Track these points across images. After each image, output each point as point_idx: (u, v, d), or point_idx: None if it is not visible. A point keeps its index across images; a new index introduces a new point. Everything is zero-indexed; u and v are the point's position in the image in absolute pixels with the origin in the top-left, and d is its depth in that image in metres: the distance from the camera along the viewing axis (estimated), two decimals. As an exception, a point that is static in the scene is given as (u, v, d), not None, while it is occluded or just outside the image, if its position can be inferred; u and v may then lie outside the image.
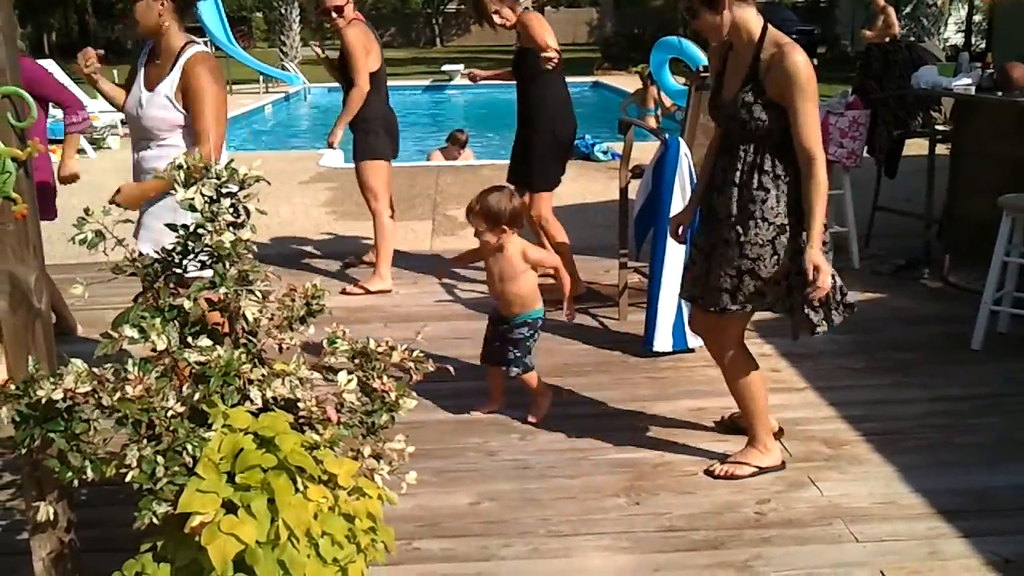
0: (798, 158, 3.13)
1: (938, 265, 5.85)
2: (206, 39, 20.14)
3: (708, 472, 3.53)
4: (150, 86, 3.71)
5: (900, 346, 4.74)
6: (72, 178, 4.78)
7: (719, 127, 3.43)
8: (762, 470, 3.51)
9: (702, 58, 12.24)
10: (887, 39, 10.63)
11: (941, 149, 6.33)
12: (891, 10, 12.00)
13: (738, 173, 3.24)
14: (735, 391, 3.54)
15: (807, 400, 4.19)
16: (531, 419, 4.01)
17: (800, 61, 3.07)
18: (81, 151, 11.12)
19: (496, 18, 5.38)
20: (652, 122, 11.85)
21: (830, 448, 3.73)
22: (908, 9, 19.07)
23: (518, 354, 3.98)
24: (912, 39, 16.61)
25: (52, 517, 2.50)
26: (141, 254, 2.63)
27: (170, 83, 3.64)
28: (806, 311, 3.21)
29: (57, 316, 5.07)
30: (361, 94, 5.69)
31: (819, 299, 3.15)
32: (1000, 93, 5.54)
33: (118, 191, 3.68)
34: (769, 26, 3.19)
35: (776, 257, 3.21)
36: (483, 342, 4.16)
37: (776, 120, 3.14)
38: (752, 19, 3.19)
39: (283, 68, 22.50)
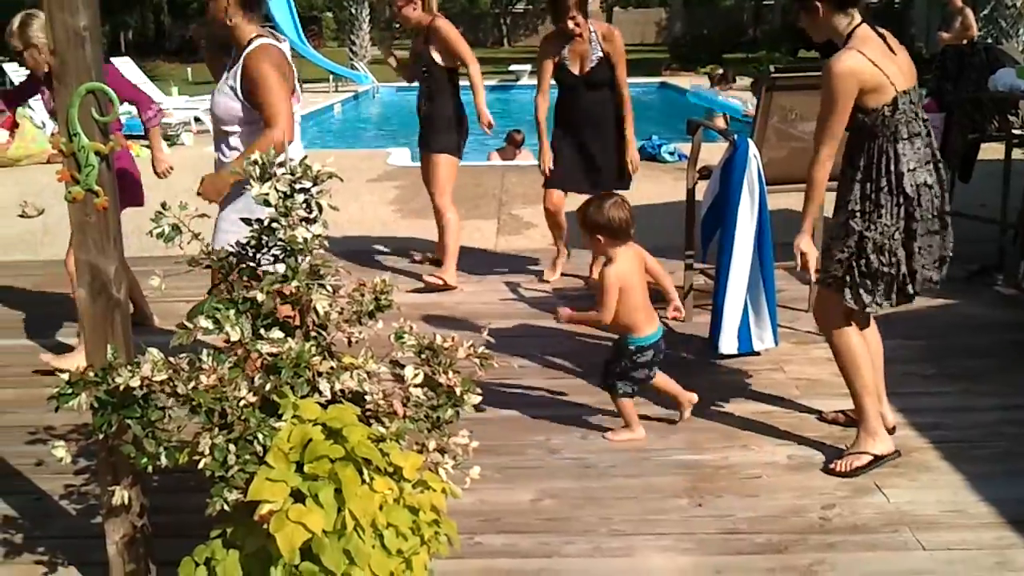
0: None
1: (1012, 271, 5.72)
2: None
3: (829, 470, 3.54)
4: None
5: (971, 353, 4.65)
6: (167, 171, 4.91)
7: None
8: (877, 459, 3.53)
9: (732, 104, 12.16)
10: (964, 41, 10.40)
11: (1018, 154, 6.18)
12: (969, 11, 11.75)
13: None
14: (838, 364, 3.61)
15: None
16: (609, 435, 3.91)
17: (827, 67, 3.28)
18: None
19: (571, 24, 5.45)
20: (721, 122, 11.76)
21: (898, 455, 3.67)
22: (986, 11, 18.64)
23: (604, 371, 3.90)
24: (990, 41, 16.25)
25: (126, 502, 2.58)
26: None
27: (235, 74, 3.75)
28: (860, 288, 3.43)
29: (135, 307, 5.21)
30: (477, 69, 5.87)
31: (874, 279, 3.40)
32: (1081, 96, 5.40)
33: (202, 181, 3.78)
34: (856, 34, 3.34)
35: (847, 239, 3.41)
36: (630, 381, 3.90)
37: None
38: (842, 25, 3.38)
39: (352, 67, 22.75)
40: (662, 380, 3.94)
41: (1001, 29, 18.36)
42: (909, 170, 3.33)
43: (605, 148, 5.67)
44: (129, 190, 4.65)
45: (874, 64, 3.27)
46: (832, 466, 3.55)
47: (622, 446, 3.81)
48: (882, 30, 3.41)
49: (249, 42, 3.76)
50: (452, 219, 5.97)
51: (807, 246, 3.49)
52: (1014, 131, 6.24)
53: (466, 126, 6.03)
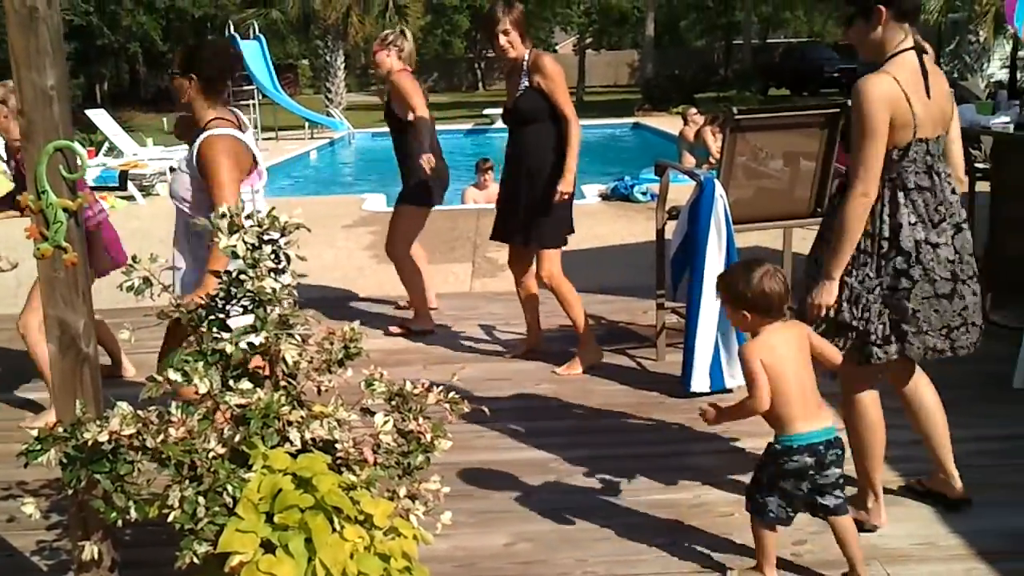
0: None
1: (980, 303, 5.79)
2: (253, 86, 20.59)
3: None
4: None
5: (939, 385, 4.65)
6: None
7: None
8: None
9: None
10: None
11: (982, 186, 6.30)
12: (928, 48, 11.96)
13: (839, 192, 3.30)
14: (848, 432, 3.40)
15: (843, 439, 4.15)
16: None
17: (858, 90, 3.04)
18: (131, 198, 11.39)
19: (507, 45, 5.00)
20: (703, 162, 11.89)
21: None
22: (951, 46, 19.00)
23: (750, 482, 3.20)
24: (955, 76, 16.54)
25: (97, 556, 2.57)
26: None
27: (192, 153, 3.78)
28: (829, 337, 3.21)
29: (112, 359, 5.21)
30: (425, 123, 5.64)
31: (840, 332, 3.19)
32: (1039, 130, 5.51)
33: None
34: (900, 56, 3.09)
35: (880, 291, 3.18)
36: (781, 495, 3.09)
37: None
38: (894, 42, 3.12)
39: (328, 114, 22.89)
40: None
41: (966, 64, 18.72)
42: (909, 224, 3.11)
43: (535, 197, 5.00)
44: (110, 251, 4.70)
45: (906, 98, 3.03)
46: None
47: (597, 487, 3.82)
48: (930, 64, 3.16)
49: (206, 126, 3.80)
50: (406, 268, 5.99)
51: (829, 298, 3.16)
52: (976, 164, 6.36)
53: (443, 176, 5.93)
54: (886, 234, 3.14)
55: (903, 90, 3.02)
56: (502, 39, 4.97)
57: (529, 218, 5.05)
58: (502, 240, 5.37)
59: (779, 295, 2.96)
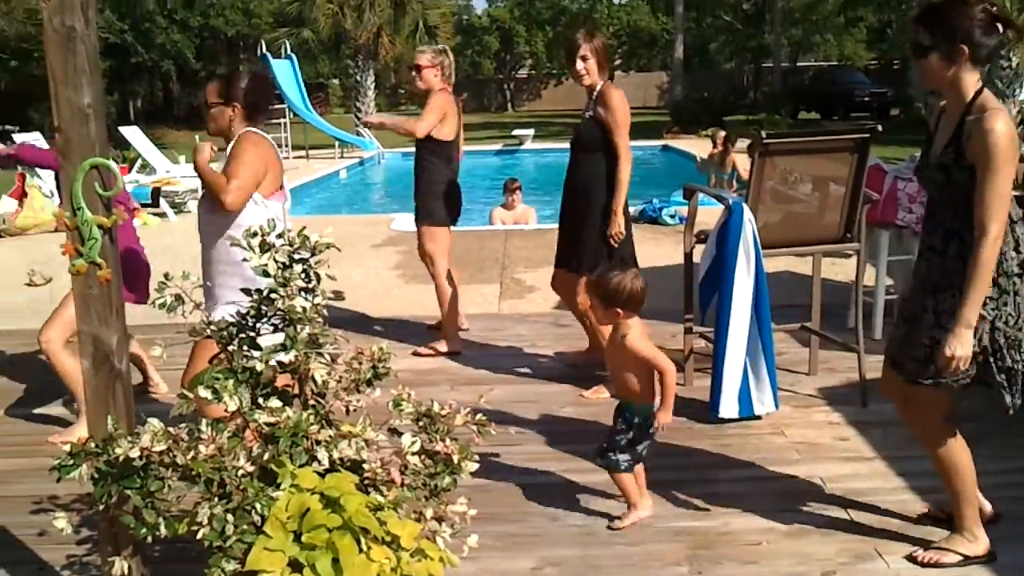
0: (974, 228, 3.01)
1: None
2: (284, 105, 20.78)
3: (911, 558, 3.35)
4: None
5: (971, 416, 4.61)
6: None
7: (924, 189, 3.36)
8: (967, 559, 3.30)
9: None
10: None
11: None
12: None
13: (939, 239, 3.15)
14: (937, 469, 3.36)
15: (876, 470, 4.12)
16: (616, 524, 3.70)
17: (998, 128, 2.94)
18: (163, 215, 11.52)
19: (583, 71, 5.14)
20: (725, 185, 11.87)
21: (899, 519, 3.66)
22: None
23: (604, 445, 3.69)
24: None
25: (126, 572, 2.59)
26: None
27: (224, 162, 3.89)
28: (1001, 390, 3.12)
29: (142, 375, 5.25)
30: (418, 133, 5.78)
31: (1011, 379, 3.09)
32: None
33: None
34: (985, 90, 3.06)
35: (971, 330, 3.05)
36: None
37: (973, 185, 3.02)
38: (971, 81, 3.07)
39: (358, 134, 23.04)
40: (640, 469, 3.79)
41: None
42: None
43: (581, 225, 5.21)
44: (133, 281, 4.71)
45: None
46: (915, 554, 3.37)
47: (624, 512, 3.80)
48: None
49: (240, 136, 3.94)
50: (443, 287, 6.02)
51: (969, 347, 3.00)
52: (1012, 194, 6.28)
53: (451, 194, 5.99)
54: (1016, 270, 3.08)
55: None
56: (580, 64, 5.13)
57: (578, 244, 5.22)
58: (559, 266, 5.50)
59: (644, 292, 3.66)
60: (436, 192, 5.91)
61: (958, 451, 3.29)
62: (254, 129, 3.96)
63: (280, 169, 4.01)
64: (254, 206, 3.83)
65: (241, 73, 4.17)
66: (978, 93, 3.05)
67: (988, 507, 3.54)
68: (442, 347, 5.96)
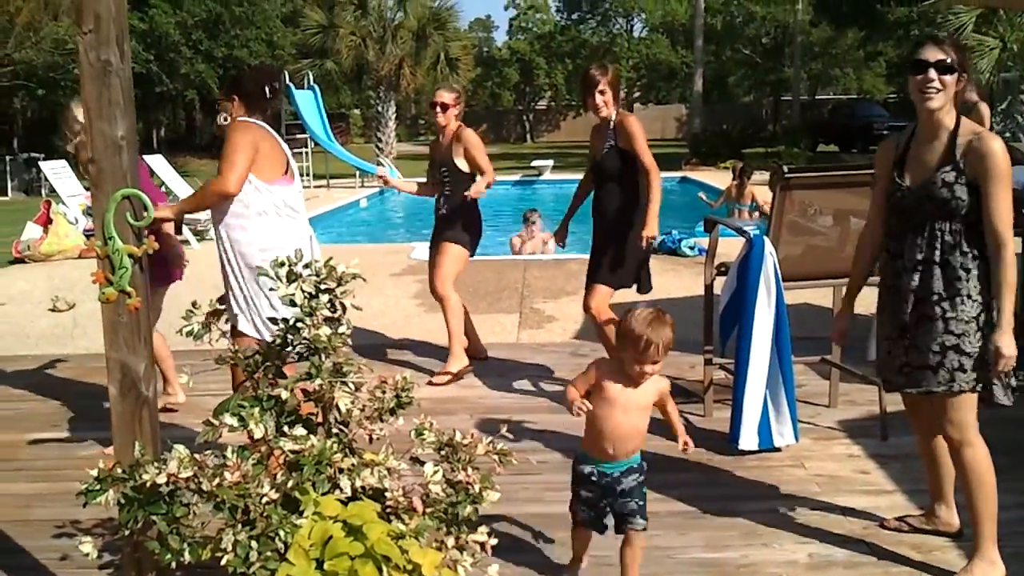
0: (988, 240, 3.27)
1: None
2: (306, 135, 20.96)
3: None
4: None
5: (994, 449, 4.60)
6: None
7: (898, 209, 3.48)
8: None
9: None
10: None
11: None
12: (984, 106, 11.85)
13: (938, 252, 3.34)
14: (964, 482, 3.46)
15: (896, 503, 4.11)
16: None
17: (997, 148, 3.24)
18: (186, 242, 11.62)
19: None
20: (747, 216, 11.87)
21: (919, 553, 3.64)
22: (1003, 105, 18.81)
23: (641, 503, 3.37)
24: (1007, 136, 16.38)
25: (149, 597, 2.61)
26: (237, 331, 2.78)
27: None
28: (992, 385, 3.34)
29: (163, 379, 5.27)
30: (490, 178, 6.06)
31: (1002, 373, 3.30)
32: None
33: None
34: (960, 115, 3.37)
35: (980, 333, 3.30)
36: (576, 501, 3.43)
37: (976, 200, 3.27)
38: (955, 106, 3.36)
39: (379, 163, 23.17)
40: None
41: (1018, 124, 18.52)
42: None
43: (606, 243, 5.43)
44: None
45: None
46: None
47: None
48: None
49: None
50: (452, 298, 6.11)
51: (1009, 344, 3.22)
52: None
53: (480, 228, 6.26)
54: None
55: None
56: (598, 98, 5.32)
57: (603, 256, 5.43)
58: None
59: (642, 336, 3.31)
60: (466, 222, 6.17)
61: (988, 464, 3.42)
62: (246, 118, 4.12)
63: (281, 154, 4.18)
64: (256, 192, 3.95)
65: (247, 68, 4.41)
66: (959, 118, 3.36)
67: (956, 521, 3.72)
68: (452, 366, 6.02)
